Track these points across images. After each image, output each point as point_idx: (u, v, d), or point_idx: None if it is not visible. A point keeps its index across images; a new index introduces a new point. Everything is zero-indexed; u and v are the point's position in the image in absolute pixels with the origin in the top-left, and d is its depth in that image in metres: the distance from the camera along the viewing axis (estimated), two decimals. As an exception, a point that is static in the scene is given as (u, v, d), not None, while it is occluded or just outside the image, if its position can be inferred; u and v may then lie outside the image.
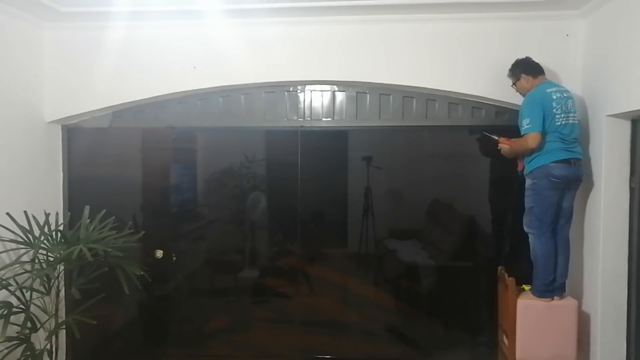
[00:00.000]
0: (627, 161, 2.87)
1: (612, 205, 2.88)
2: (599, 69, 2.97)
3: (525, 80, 2.97)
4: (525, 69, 2.97)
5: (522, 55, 3.01)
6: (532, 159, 2.89)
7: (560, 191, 2.85)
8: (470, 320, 3.72)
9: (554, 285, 2.93)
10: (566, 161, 2.81)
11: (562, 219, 2.91)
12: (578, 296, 3.05)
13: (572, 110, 2.86)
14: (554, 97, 2.84)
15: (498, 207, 3.62)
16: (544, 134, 2.81)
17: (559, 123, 2.82)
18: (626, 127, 2.87)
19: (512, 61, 3.03)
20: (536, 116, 2.79)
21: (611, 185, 2.88)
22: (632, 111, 2.66)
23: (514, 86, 3.05)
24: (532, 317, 2.93)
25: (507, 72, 3.08)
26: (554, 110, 2.82)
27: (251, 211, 3.87)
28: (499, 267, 3.26)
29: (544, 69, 2.98)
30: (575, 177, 2.85)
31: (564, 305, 2.94)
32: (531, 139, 2.80)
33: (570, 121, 2.85)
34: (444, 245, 3.78)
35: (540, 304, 2.93)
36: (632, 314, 2.88)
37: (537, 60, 2.99)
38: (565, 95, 2.87)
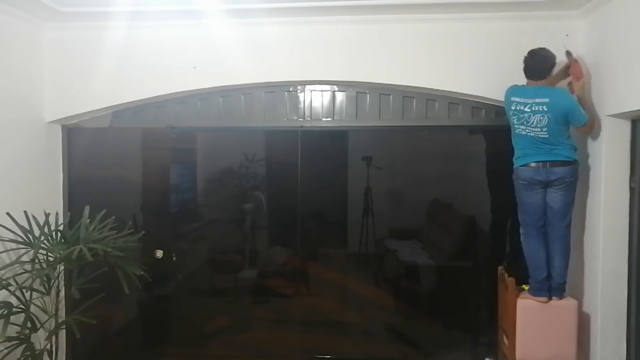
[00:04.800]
0: (627, 161, 2.87)
1: (612, 205, 2.88)
2: (599, 69, 2.97)
3: None
4: (524, 69, 2.96)
5: (522, 56, 3.00)
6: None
7: (537, 192, 2.89)
8: (470, 320, 3.72)
9: (549, 284, 2.94)
10: (534, 164, 2.86)
11: (554, 219, 2.91)
12: (578, 296, 3.05)
13: (539, 125, 2.81)
14: (513, 108, 2.90)
15: (498, 206, 3.62)
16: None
17: (517, 131, 2.92)
18: (626, 127, 2.87)
19: (513, 61, 3.02)
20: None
21: (611, 185, 2.88)
22: (632, 111, 2.66)
23: None
24: (532, 317, 2.93)
25: (507, 72, 3.08)
26: (513, 119, 2.92)
27: (256, 209, 3.88)
28: (499, 267, 3.27)
29: (546, 71, 2.90)
30: (547, 179, 2.85)
31: (564, 305, 2.94)
32: None
33: (537, 134, 2.83)
34: (444, 245, 3.78)
35: (540, 304, 2.94)
36: (632, 314, 2.88)
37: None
38: (533, 109, 2.81)
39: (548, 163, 2.83)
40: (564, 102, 2.81)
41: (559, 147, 2.84)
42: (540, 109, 2.80)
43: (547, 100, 2.80)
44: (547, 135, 2.82)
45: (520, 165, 2.92)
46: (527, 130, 2.87)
